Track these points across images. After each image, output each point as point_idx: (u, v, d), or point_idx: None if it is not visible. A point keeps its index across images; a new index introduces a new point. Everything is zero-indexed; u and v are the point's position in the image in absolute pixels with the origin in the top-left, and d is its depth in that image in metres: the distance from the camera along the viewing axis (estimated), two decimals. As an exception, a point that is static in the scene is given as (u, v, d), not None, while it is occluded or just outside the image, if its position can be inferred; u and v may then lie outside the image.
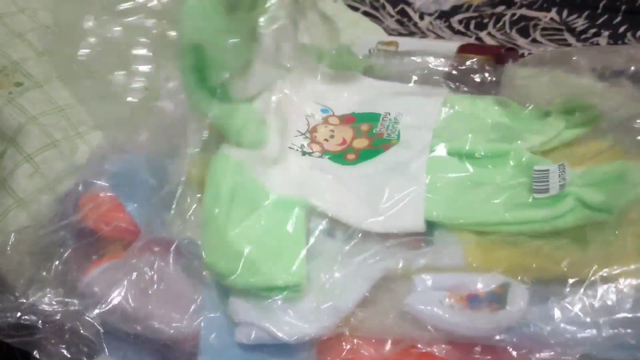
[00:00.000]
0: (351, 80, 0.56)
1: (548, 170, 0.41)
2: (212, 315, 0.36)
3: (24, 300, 0.37)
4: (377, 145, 0.46)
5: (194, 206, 0.40)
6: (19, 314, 0.36)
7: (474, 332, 0.33)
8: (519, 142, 0.45)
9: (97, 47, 0.60)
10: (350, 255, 0.38)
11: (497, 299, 0.34)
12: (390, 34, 0.93)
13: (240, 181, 0.40)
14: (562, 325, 0.33)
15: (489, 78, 0.57)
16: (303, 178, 0.42)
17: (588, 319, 0.33)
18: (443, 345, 0.33)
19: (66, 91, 0.55)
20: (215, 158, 0.41)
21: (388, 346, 0.34)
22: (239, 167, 0.41)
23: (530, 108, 0.50)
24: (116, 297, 0.37)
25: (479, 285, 0.35)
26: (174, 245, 0.38)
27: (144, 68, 0.64)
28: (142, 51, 0.65)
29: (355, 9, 0.98)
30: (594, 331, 0.32)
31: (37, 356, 0.36)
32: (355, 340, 0.34)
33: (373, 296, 0.36)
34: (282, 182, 0.42)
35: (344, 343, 0.34)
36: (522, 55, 0.84)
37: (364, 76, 0.56)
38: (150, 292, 0.37)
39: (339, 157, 0.46)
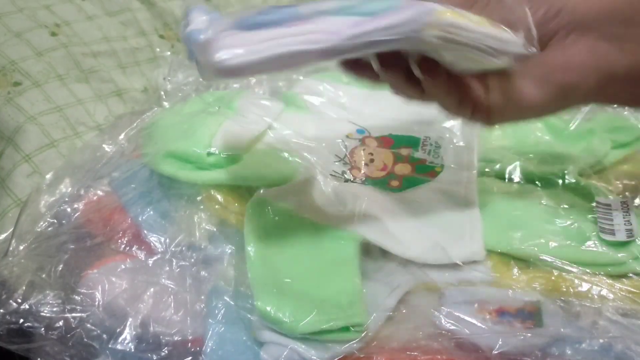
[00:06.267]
0: (383, 98, 0.55)
1: (610, 206, 0.40)
2: (215, 322, 0.35)
3: (26, 307, 0.36)
4: (421, 172, 0.46)
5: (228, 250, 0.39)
6: (21, 320, 0.36)
7: (511, 348, 0.32)
8: (571, 166, 0.44)
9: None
10: (376, 270, 0.38)
11: (531, 316, 0.34)
12: (390, 34, 0.93)
13: (281, 223, 0.38)
14: (590, 346, 0.32)
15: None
16: (349, 208, 0.40)
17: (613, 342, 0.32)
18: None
19: (65, 91, 0.55)
20: (251, 205, 0.40)
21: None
22: (277, 207, 0.39)
23: (573, 126, 0.49)
24: (117, 303, 0.36)
25: (508, 301, 0.34)
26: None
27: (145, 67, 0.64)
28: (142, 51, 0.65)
29: (356, 8, 0.97)
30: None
31: (39, 362, 0.36)
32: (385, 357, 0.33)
33: (400, 311, 0.35)
34: (328, 214, 0.40)
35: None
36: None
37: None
38: (152, 296, 0.37)
39: (382, 183, 0.45)
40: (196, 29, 0.29)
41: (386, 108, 0.54)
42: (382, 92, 0.56)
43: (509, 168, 0.45)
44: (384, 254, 0.39)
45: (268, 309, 0.33)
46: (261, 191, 0.41)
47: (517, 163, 0.45)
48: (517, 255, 0.39)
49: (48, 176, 0.47)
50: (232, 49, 0.26)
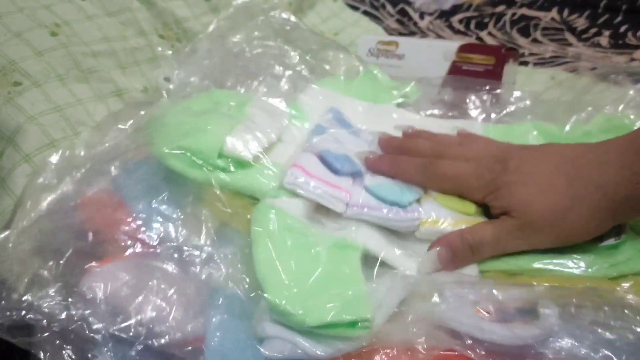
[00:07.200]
0: (384, 114, 0.56)
1: None
2: (216, 319, 0.35)
3: (29, 300, 0.36)
4: None
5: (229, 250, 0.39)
6: (22, 312, 0.36)
7: (510, 342, 0.33)
8: None
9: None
10: (378, 275, 0.38)
11: (529, 315, 0.34)
12: (390, 34, 0.93)
13: (289, 226, 0.39)
14: (587, 344, 0.32)
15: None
16: (352, 221, 0.41)
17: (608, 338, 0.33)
18: (477, 351, 0.33)
19: (65, 91, 0.55)
20: (260, 207, 0.40)
21: (419, 356, 0.33)
22: (284, 212, 0.40)
23: (567, 130, 0.50)
24: (119, 300, 0.36)
25: (506, 301, 0.35)
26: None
27: (145, 67, 0.64)
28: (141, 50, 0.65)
29: (355, 8, 0.98)
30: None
31: (41, 356, 0.36)
32: (386, 352, 0.33)
33: (400, 310, 0.35)
34: (330, 226, 0.41)
35: (376, 357, 0.33)
36: (523, 55, 0.84)
37: (397, 109, 0.57)
38: (154, 293, 0.37)
39: None
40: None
41: (386, 122, 0.54)
42: (384, 107, 0.57)
43: None
44: (385, 263, 0.39)
45: (278, 301, 0.33)
46: (267, 199, 0.41)
47: None
48: (510, 272, 0.40)
49: (49, 172, 0.47)
50: (294, 174, 0.41)
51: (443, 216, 0.41)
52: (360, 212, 0.41)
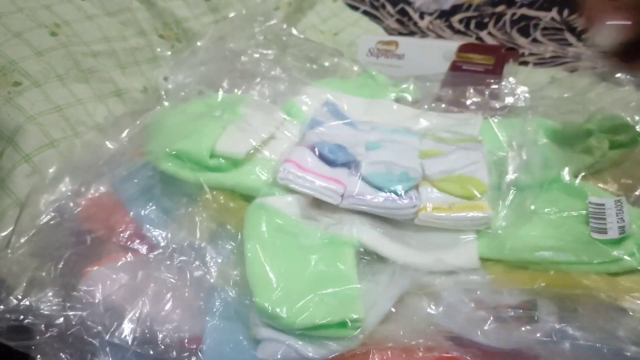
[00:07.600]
0: (383, 108, 0.56)
1: (604, 205, 0.40)
2: (213, 320, 0.36)
3: (27, 303, 0.37)
4: None
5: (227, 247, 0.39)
6: (21, 316, 0.36)
7: (506, 344, 0.33)
8: (567, 167, 0.44)
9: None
10: (374, 273, 0.38)
11: (527, 314, 0.34)
12: (390, 34, 0.93)
13: (279, 227, 0.39)
14: (586, 342, 0.32)
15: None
16: (347, 217, 0.41)
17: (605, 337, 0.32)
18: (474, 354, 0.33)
19: (65, 91, 0.55)
20: (251, 208, 0.40)
21: (414, 356, 0.33)
22: (276, 212, 0.40)
23: (569, 127, 0.50)
24: (117, 301, 0.36)
25: (504, 300, 0.35)
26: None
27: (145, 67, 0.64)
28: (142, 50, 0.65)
29: (355, 8, 0.97)
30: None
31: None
32: (380, 353, 0.33)
33: (397, 311, 0.35)
34: (326, 222, 0.41)
35: (370, 356, 0.33)
36: (523, 55, 0.84)
37: (395, 103, 0.57)
38: (152, 294, 0.37)
39: None
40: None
41: (385, 116, 0.54)
42: (382, 102, 0.57)
43: (511, 175, 0.45)
44: (381, 258, 0.39)
45: (266, 305, 0.33)
46: (261, 197, 0.41)
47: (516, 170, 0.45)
48: (511, 262, 0.39)
49: (49, 173, 0.47)
50: (288, 169, 0.41)
51: (442, 202, 0.41)
52: (356, 202, 0.41)
